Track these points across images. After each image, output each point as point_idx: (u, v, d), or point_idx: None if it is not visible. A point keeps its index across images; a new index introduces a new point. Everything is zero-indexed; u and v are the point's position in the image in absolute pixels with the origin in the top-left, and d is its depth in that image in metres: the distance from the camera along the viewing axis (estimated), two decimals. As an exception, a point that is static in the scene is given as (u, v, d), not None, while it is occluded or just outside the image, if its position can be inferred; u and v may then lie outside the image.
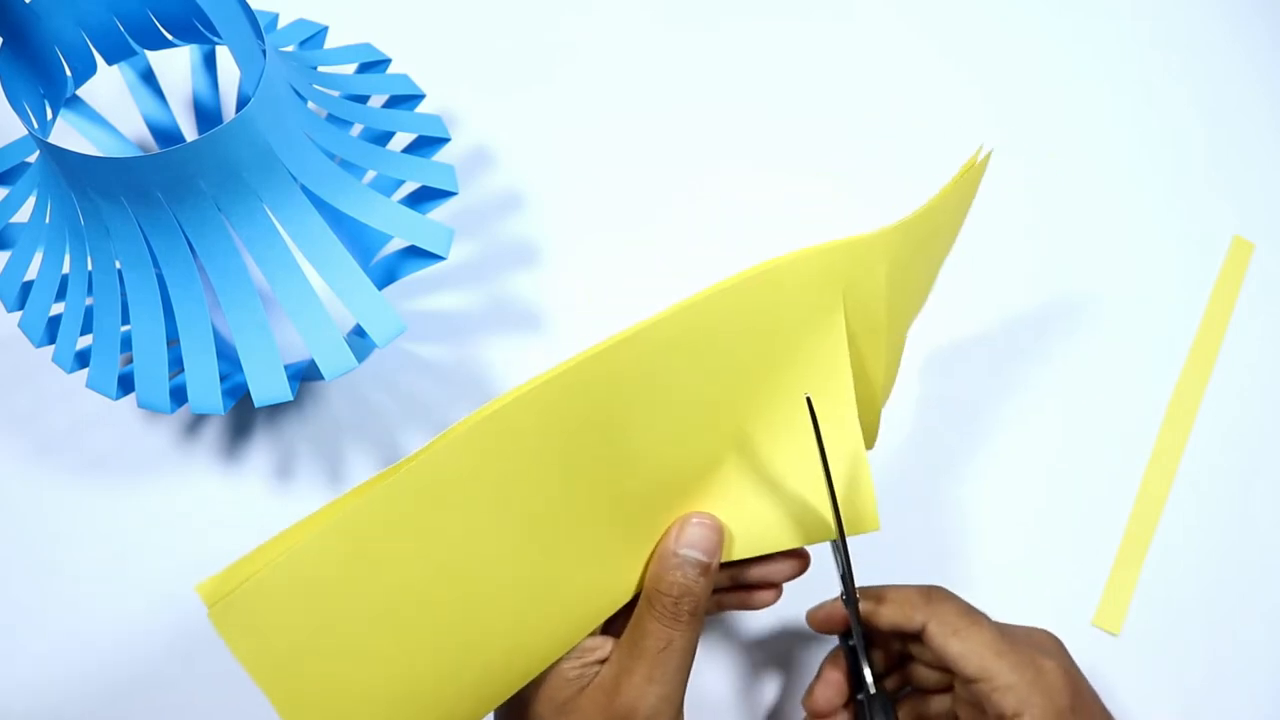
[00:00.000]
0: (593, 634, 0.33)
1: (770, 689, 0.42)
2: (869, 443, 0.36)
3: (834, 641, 0.42)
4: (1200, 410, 0.47)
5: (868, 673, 0.36)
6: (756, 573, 0.35)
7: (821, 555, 0.40)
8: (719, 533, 0.32)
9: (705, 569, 0.32)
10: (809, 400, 0.32)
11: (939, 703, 0.38)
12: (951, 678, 0.37)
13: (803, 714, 0.38)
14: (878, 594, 0.36)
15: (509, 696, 0.31)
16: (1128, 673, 0.43)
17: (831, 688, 0.37)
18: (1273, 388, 0.48)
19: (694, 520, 0.32)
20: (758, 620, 0.43)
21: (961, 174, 0.35)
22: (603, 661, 0.32)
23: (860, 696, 0.36)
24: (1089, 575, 0.45)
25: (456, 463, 0.28)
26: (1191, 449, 0.47)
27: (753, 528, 0.33)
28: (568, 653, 0.32)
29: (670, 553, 0.32)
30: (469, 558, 0.29)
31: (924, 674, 0.38)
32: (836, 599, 0.37)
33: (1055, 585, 0.44)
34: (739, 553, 0.33)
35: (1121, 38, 0.54)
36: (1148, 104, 0.53)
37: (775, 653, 0.43)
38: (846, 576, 0.35)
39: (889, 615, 0.36)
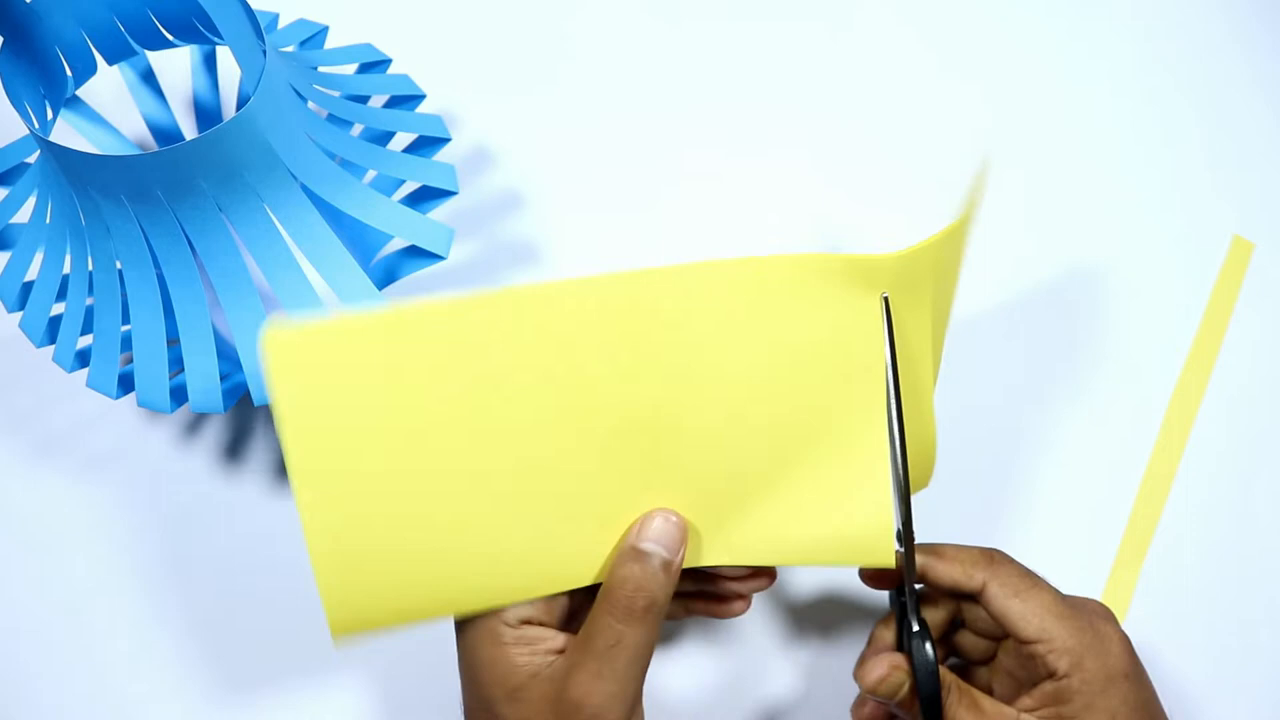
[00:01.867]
0: (549, 624, 0.32)
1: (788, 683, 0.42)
2: (923, 480, 0.36)
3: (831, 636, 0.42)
4: (1200, 410, 0.47)
5: (912, 616, 0.35)
6: (723, 583, 0.35)
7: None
8: (682, 530, 0.32)
9: (665, 565, 0.31)
10: (885, 301, 0.31)
11: (979, 675, 0.38)
12: (995, 647, 0.37)
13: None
14: (936, 550, 0.36)
15: (466, 610, 0.30)
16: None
17: (883, 663, 0.35)
18: (1273, 388, 0.48)
19: (659, 515, 0.32)
20: (751, 618, 0.43)
21: (977, 185, 0.35)
22: (556, 651, 0.31)
23: (909, 625, 0.35)
24: (1089, 574, 0.45)
25: (528, 314, 0.27)
26: (1192, 448, 0.47)
27: (746, 538, 0.32)
28: (518, 638, 0.31)
29: (629, 546, 0.31)
30: (502, 435, 0.28)
31: (970, 643, 0.38)
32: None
33: (1056, 584, 0.44)
34: (736, 559, 0.32)
35: (1121, 38, 0.54)
36: (1148, 104, 0.53)
37: (792, 643, 0.43)
38: (906, 526, 0.34)
39: (948, 572, 0.35)
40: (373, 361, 0.27)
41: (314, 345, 0.26)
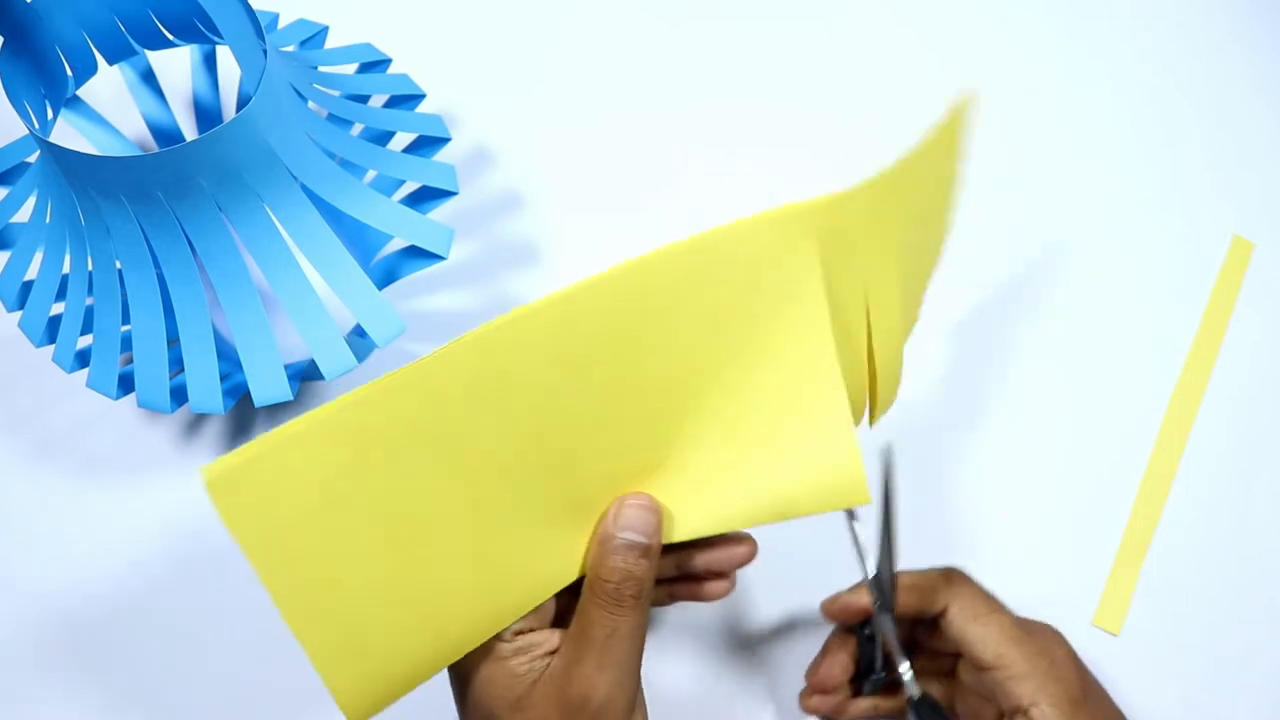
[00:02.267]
0: (539, 628, 0.32)
1: (750, 679, 0.42)
2: (871, 413, 0.35)
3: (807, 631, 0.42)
4: (1200, 410, 0.47)
5: (905, 669, 0.35)
6: (702, 560, 0.34)
7: (820, 552, 0.40)
8: (656, 513, 0.31)
9: (645, 550, 0.31)
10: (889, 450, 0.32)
11: (938, 690, 0.38)
12: (954, 665, 0.38)
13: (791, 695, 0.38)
14: (895, 578, 0.36)
15: (466, 649, 0.31)
16: (1128, 673, 0.43)
17: (838, 666, 0.38)
18: (1273, 388, 0.48)
19: (630, 502, 0.31)
20: (747, 615, 0.43)
21: (943, 126, 0.34)
22: (551, 653, 0.32)
23: (909, 698, 0.36)
24: (1089, 575, 0.45)
25: (450, 375, 0.28)
26: (1191, 449, 0.47)
27: (717, 503, 0.32)
28: (514, 649, 0.31)
29: (608, 536, 0.31)
30: (452, 479, 0.29)
31: (926, 661, 0.38)
32: (853, 589, 0.37)
33: (1055, 585, 0.44)
34: (707, 529, 0.32)
35: (1121, 38, 0.54)
36: (1148, 104, 0.53)
37: (751, 645, 0.43)
38: (884, 575, 0.35)
39: (909, 600, 0.36)
40: (315, 464, 0.28)
41: (255, 475, 0.27)
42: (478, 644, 0.31)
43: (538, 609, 0.32)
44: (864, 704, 0.39)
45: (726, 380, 0.32)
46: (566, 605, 0.33)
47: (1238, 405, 0.48)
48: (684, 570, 0.35)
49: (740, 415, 0.32)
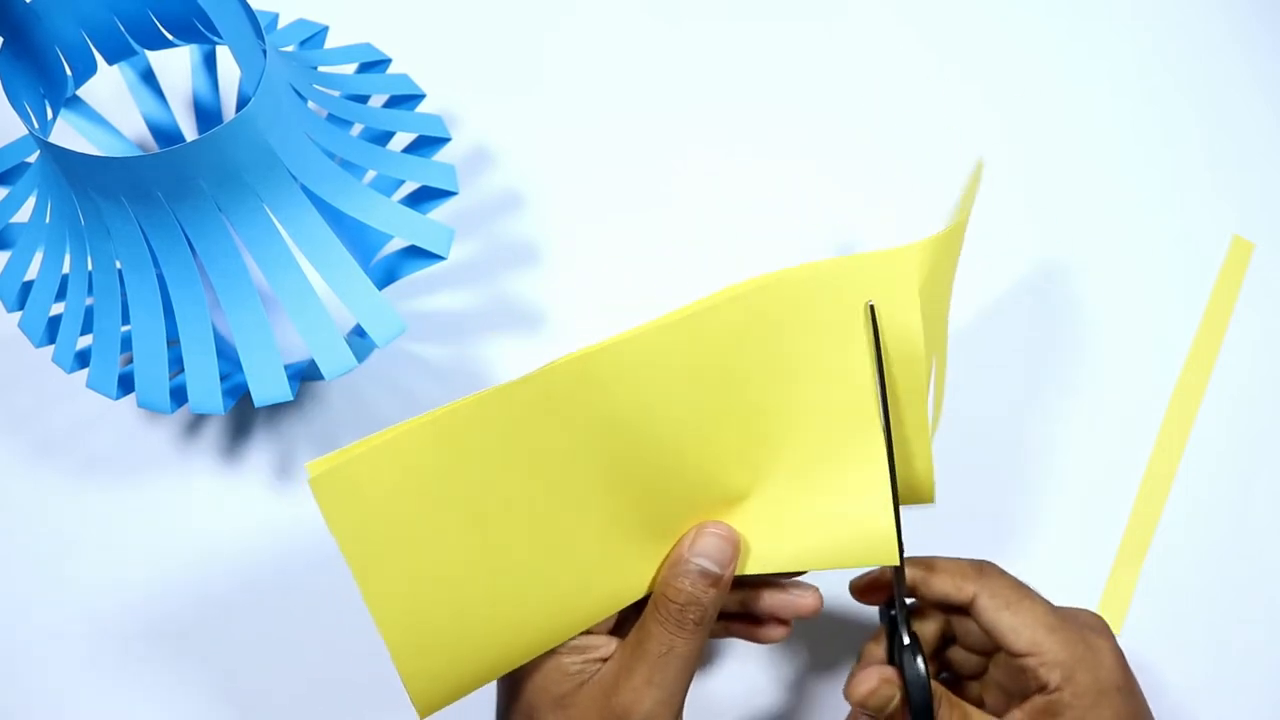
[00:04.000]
0: (597, 631, 0.33)
1: (791, 695, 0.42)
2: (926, 493, 0.36)
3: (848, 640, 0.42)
4: (1200, 410, 0.47)
5: (902, 630, 0.35)
6: (768, 603, 0.34)
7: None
8: (734, 545, 0.32)
9: (716, 580, 0.32)
10: (871, 308, 0.32)
11: (970, 689, 0.38)
12: (986, 662, 0.37)
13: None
14: (928, 563, 0.36)
15: (533, 655, 0.32)
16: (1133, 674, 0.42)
17: (875, 677, 0.36)
18: (1273, 388, 0.48)
19: (710, 530, 0.32)
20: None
21: (972, 186, 0.35)
22: (604, 660, 0.32)
23: (899, 638, 0.35)
24: (1089, 575, 0.45)
25: (546, 394, 0.30)
26: (1191, 449, 0.47)
27: (779, 543, 0.33)
28: (569, 647, 0.32)
29: (682, 559, 0.32)
30: (538, 492, 0.31)
31: (961, 658, 0.38)
32: (881, 568, 0.37)
33: (1055, 585, 0.44)
34: (761, 567, 0.33)
35: (1121, 38, 0.54)
36: (1148, 104, 0.53)
37: (795, 666, 0.43)
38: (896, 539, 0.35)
39: (939, 585, 0.35)
40: (406, 468, 0.29)
41: (357, 475, 0.29)
42: (544, 650, 0.32)
43: None
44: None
45: (794, 426, 0.33)
46: (626, 615, 0.34)
47: (1238, 405, 0.48)
48: (747, 609, 0.35)
49: (793, 468, 0.33)
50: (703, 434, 0.32)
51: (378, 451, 0.29)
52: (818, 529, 0.33)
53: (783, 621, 0.35)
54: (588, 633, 0.32)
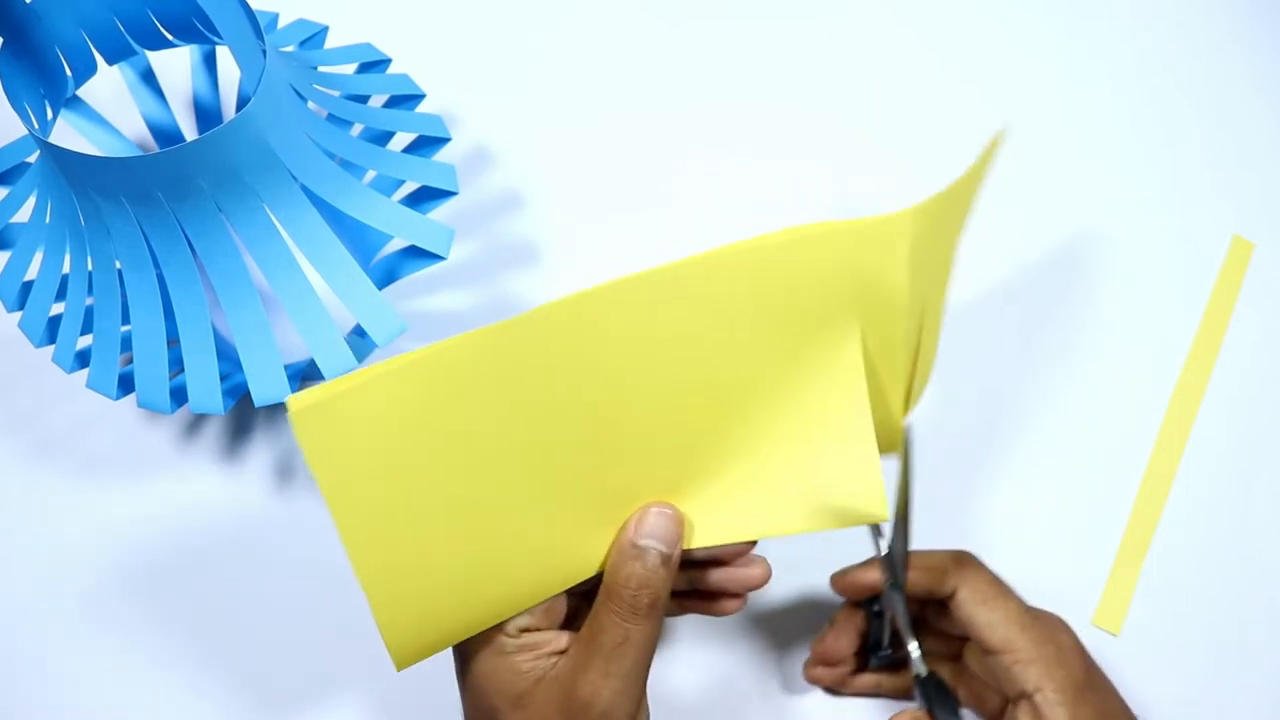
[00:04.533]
0: (549, 628, 0.32)
1: (754, 668, 0.42)
2: (893, 443, 0.36)
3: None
4: (1200, 410, 0.47)
5: (914, 648, 0.36)
6: (716, 579, 0.34)
7: (830, 532, 0.40)
8: (679, 523, 0.32)
9: (665, 559, 0.31)
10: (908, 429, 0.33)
11: (942, 674, 0.38)
12: (960, 650, 0.38)
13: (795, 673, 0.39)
14: (906, 559, 0.36)
15: (505, 616, 0.31)
16: (1128, 673, 0.42)
17: (844, 641, 0.39)
18: (1273, 388, 0.48)
19: (654, 510, 0.32)
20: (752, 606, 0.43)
21: (982, 159, 0.35)
22: (559, 653, 0.32)
23: (915, 675, 0.36)
24: (1089, 575, 0.45)
25: (526, 339, 0.29)
26: (1191, 449, 0.47)
27: (738, 513, 0.32)
28: (519, 645, 0.32)
29: (629, 543, 0.31)
30: (510, 444, 0.30)
31: (933, 642, 0.39)
32: (863, 564, 0.38)
33: (1055, 585, 0.44)
34: (720, 538, 0.32)
35: (1121, 38, 0.54)
36: (1148, 104, 0.53)
37: (759, 618, 0.43)
38: (898, 552, 0.35)
39: (919, 580, 0.36)
40: (389, 408, 0.28)
41: (338, 412, 0.28)
42: (513, 614, 0.31)
43: (547, 608, 0.32)
44: (867, 679, 0.40)
45: (761, 390, 0.32)
46: (576, 607, 0.34)
47: (1238, 405, 0.48)
48: (696, 586, 0.35)
49: (769, 427, 0.32)
50: (663, 400, 0.31)
51: (361, 389, 0.28)
52: (797, 491, 0.32)
53: (735, 594, 0.35)
54: (536, 629, 0.32)
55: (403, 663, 0.31)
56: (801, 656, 0.42)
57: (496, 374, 0.29)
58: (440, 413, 0.29)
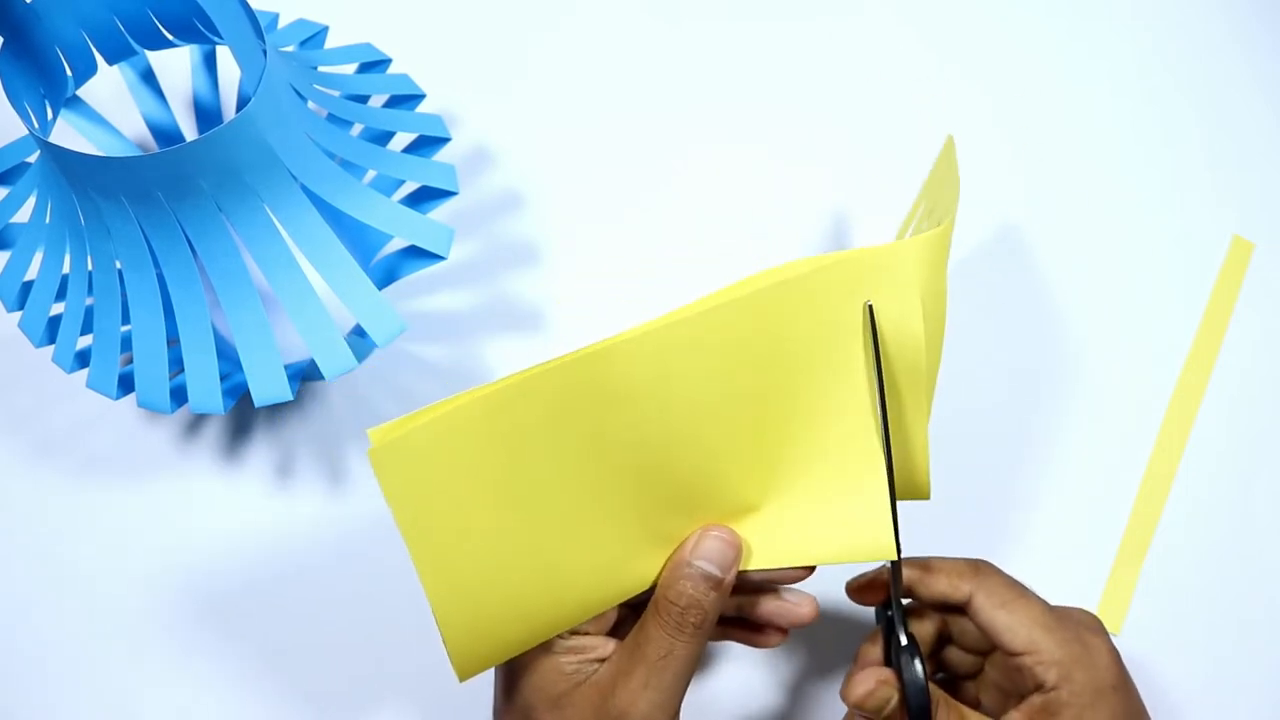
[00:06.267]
0: (595, 633, 0.33)
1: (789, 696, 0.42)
2: (922, 489, 0.36)
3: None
4: (1200, 410, 0.47)
5: (902, 635, 0.35)
6: (765, 610, 0.35)
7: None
8: (736, 549, 0.32)
9: (717, 584, 0.32)
10: (869, 309, 0.32)
11: (966, 690, 0.38)
12: (982, 662, 0.37)
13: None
14: (924, 563, 0.36)
15: (555, 633, 0.32)
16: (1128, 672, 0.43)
17: (873, 679, 0.36)
18: (1273, 388, 0.48)
19: (713, 533, 0.32)
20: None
21: (946, 165, 0.35)
22: (601, 660, 0.32)
23: (897, 639, 0.35)
24: (1089, 575, 0.45)
25: (589, 375, 0.31)
26: (1191, 449, 0.47)
27: (777, 541, 0.33)
28: (565, 648, 0.32)
29: (684, 562, 0.32)
30: (572, 474, 0.31)
31: (958, 658, 0.38)
32: (878, 568, 0.37)
33: (1055, 585, 0.44)
34: (759, 564, 0.33)
35: (1121, 38, 0.54)
36: (1148, 104, 0.53)
37: (792, 668, 0.43)
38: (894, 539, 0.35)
39: (936, 585, 0.35)
40: (457, 441, 0.30)
41: (415, 447, 0.30)
42: (564, 629, 0.32)
43: (599, 615, 0.33)
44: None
45: (781, 429, 0.33)
46: (625, 616, 0.34)
47: (1238, 405, 0.48)
48: (743, 614, 0.35)
49: (790, 465, 0.34)
50: (710, 432, 0.32)
51: (435, 424, 0.29)
52: (816, 526, 0.33)
53: (780, 629, 0.35)
54: (584, 633, 0.32)
55: (465, 675, 0.32)
56: (835, 681, 0.42)
57: (554, 410, 0.31)
58: (503, 445, 0.30)
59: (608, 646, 0.32)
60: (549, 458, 0.31)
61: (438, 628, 0.31)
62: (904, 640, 0.34)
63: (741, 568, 0.33)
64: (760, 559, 0.33)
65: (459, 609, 0.31)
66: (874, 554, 0.33)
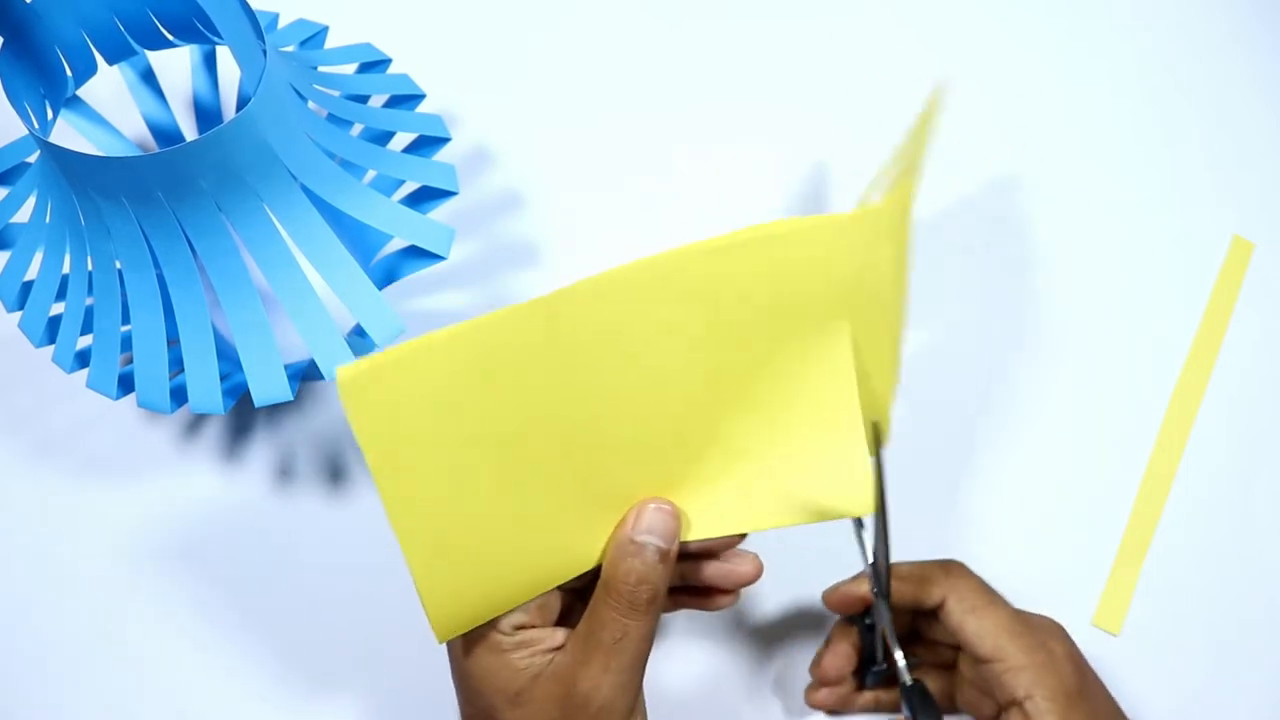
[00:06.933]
0: (543, 625, 0.32)
1: (760, 674, 0.42)
2: (883, 438, 0.36)
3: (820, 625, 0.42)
4: (1200, 410, 0.47)
5: (899, 657, 0.36)
6: (709, 574, 0.35)
7: (822, 542, 0.40)
8: (676, 519, 0.32)
9: (664, 555, 0.31)
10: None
11: (938, 682, 0.38)
12: (954, 657, 0.38)
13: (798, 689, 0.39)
14: (893, 571, 0.36)
15: (536, 593, 0.32)
16: (1128, 673, 0.43)
17: (841, 658, 0.38)
18: (1273, 388, 0.48)
19: (651, 506, 0.32)
20: (750, 606, 0.43)
21: (926, 120, 0.35)
22: (555, 650, 0.32)
23: (901, 684, 0.36)
24: (1089, 575, 0.45)
25: (551, 318, 0.30)
26: (1191, 449, 0.47)
27: (729, 506, 0.33)
28: (514, 643, 0.32)
29: (627, 539, 0.31)
30: (540, 420, 0.30)
31: (927, 652, 0.39)
32: (854, 578, 0.38)
33: (1055, 585, 0.44)
34: (712, 531, 0.33)
35: (1121, 38, 0.54)
36: (1148, 104, 0.53)
37: (755, 637, 0.43)
38: (880, 562, 0.35)
39: (907, 591, 0.36)
40: (427, 379, 0.29)
41: (384, 380, 0.29)
42: (535, 595, 0.32)
43: (540, 605, 0.32)
44: (867, 697, 0.40)
45: (753, 384, 0.32)
46: (570, 605, 0.34)
47: (1238, 405, 0.48)
48: (689, 581, 0.35)
49: (761, 420, 0.33)
50: (669, 384, 0.31)
51: (407, 359, 0.29)
52: (787, 485, 0.33)
53: (727, 590, 0.35)
54: (530, 626, 0.32)
55: (444, 635, 0.31)
56: (795, 654, 0.42)
57: (519, 354, 0.30)
58: (471, 387, 0.29)
59: (557, 636, 0.32)
60: (514, 404, 0.30)
61: (412, 579, 0.30)
62: (909, 679, 0.36)
63: (684, 537, 0.32)
64: (709, 527, 0.33)
65: (432, 560, 0.30)
66: (849, 509, 0.32)
